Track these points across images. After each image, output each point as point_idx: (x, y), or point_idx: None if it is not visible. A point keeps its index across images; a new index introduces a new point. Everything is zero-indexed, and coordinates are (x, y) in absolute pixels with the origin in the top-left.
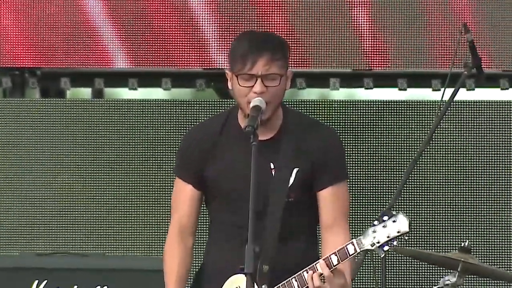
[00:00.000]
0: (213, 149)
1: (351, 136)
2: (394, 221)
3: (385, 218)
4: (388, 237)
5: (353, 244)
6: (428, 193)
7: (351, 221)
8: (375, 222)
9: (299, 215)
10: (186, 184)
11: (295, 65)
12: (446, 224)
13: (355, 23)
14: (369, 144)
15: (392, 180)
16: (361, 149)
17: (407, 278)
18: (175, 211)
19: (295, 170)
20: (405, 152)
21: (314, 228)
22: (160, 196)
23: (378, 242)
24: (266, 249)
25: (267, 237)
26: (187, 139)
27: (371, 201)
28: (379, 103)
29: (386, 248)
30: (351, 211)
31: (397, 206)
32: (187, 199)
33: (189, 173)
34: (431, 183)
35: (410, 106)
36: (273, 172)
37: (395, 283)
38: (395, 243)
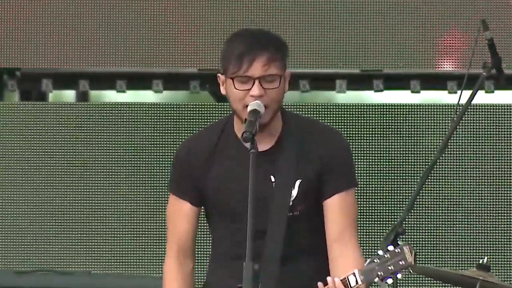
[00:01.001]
0: (210, 162)
1: (359, 143)
2: (398, 252)
3: (390, 248)
4: (391, 269)
5: (355, 275)
6: (443, 205)
7: (359, 233)
8: (379, 252)
9: (306, 231)
10: (183, 202)
11: (298, 65)
12: (463, 239)
13: (363, 20)
14: (378, 152)
15: (404, 191)
16: (370, 157)
17: None
18: (172, 232)
19: (297, 182)
20: (418, 161)
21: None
22: (150, 210)
23: (381, 275)
24: (267, 269)
25: (269, 257)
26: (181, 152)
27: (382, 212)
28: (390, 107)
29: (389, 281)
30: (360, 223)
31: (410, 219)
32: (184, 217)
33: (186, 189)
34: (446, 194)
35: (424, 110)
36: (274, 186)
37: None
38: (399, 276)
